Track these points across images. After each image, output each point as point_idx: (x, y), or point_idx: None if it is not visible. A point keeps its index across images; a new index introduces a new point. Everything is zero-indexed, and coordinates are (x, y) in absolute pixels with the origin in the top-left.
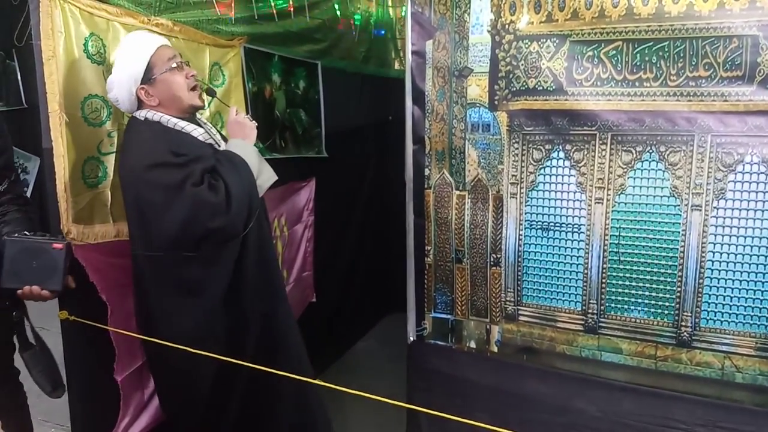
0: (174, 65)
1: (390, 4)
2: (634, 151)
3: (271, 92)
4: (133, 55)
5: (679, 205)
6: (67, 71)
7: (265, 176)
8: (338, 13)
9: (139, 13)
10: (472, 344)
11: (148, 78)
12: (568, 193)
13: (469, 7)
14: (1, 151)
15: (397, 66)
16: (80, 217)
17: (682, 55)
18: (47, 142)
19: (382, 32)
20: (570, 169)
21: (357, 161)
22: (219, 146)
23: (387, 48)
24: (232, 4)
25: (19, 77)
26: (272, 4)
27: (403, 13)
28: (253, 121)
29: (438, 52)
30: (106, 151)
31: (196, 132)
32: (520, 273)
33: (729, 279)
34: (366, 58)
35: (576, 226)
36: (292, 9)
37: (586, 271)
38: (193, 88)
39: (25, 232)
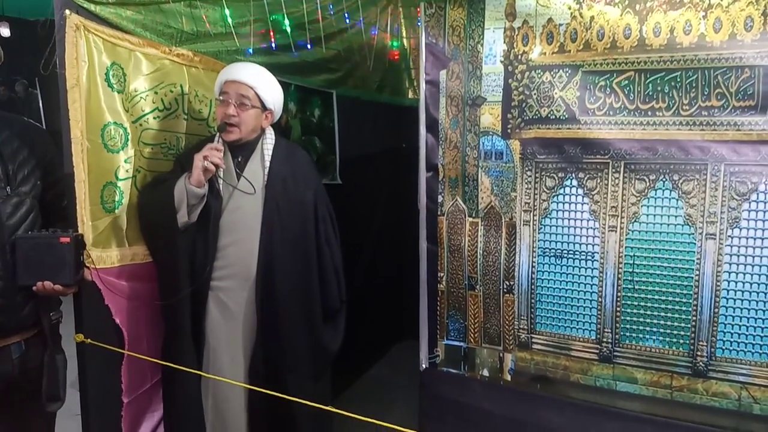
0: (219, 99)
1: (404, 35)
2: (647, 180)
3: (286, 120)
4: (223, 75)
5: (693, 234)
6: (89, 99)
7: (178, 214)
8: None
9: (160, 44)
10: (486, 372)
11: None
12: (581, 220)
13: (483, 38)
14: (57, 181)
15: (410, 95)
16: (98, 241)
17: (694, 84)
18: (69, 168)
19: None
20: (583, 197)
21: (370, 188)
22: (220, 177)
23: (401, 77)
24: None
25: (41, 104)
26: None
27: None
28: (207, 164)
29: (452, 81)
30: (123, 176)
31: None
32: (533, 300)
33: (745, 308)
34: (380, 87)
35: (589, 253)
36: (308, 41)
37: (600, 299)
38: (222, 123)
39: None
